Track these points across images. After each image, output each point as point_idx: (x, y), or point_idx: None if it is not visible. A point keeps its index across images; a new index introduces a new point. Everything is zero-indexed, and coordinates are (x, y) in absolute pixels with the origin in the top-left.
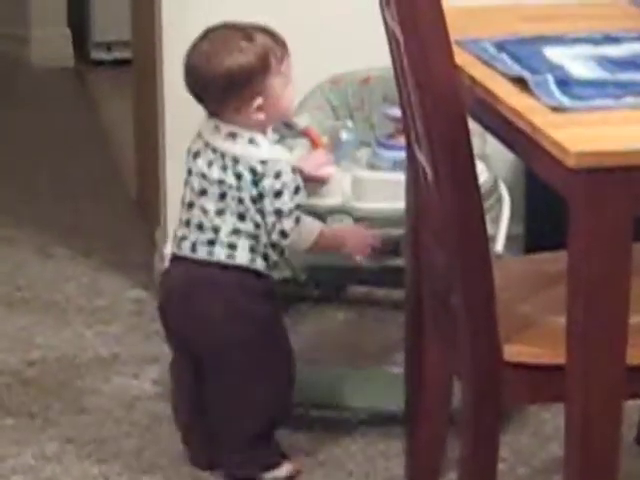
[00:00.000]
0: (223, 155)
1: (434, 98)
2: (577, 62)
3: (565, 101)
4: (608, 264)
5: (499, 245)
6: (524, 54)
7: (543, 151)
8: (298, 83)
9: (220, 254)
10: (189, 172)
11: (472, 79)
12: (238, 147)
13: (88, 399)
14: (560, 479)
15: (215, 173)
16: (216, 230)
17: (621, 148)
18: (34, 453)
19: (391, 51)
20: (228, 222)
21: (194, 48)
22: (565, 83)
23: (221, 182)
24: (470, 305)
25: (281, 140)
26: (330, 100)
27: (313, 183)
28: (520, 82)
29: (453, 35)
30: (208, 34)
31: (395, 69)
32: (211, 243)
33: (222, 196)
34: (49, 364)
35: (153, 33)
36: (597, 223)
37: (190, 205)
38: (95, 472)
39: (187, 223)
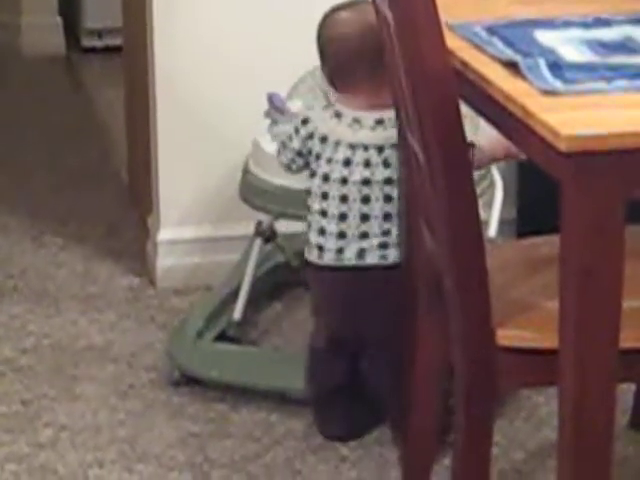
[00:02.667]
0: (366, 148)
1: (425, 82)
2: (569, 46)
3: (557, 85)
4: (600, 247)
5: (492, 230)
6: (515, 38)
7: (535, 135)
8: (290, 68)
9: (392, 256)
10: (326, 178)
11: (463, 63)
12: (376, 134)
13: (82, 387)
14: (554, 463)
15: (359, 174)
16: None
17: (613, 131)
18: (28, 441)
19: (382, 35)
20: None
21: (339, 17)
22: (557, 67)
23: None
24: (463, 289)
25: (273, 125)
26: (322, 85)
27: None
28: (512, 66)
29: (444, 19)
30: (351, 5)
31: (386, 53)
32: (384, 246)
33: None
34: (42, 352)
35: (144, 20)
36: (589, 206)
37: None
38: (89, 459)
39: (342, 235)
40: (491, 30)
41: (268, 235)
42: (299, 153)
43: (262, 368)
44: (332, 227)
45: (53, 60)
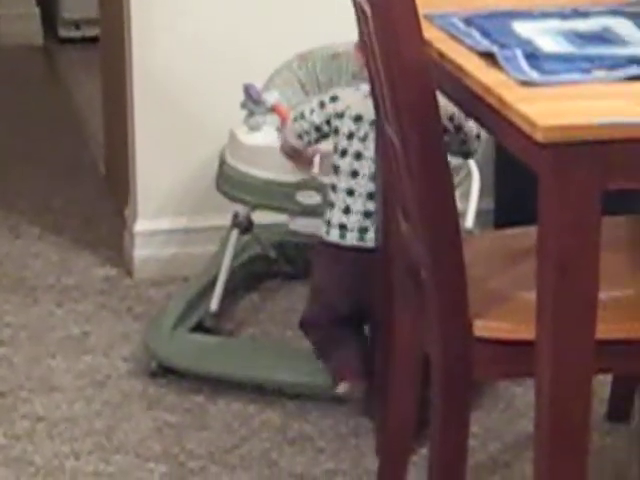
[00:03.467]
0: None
1: (403, 73)
2: (546, 36)
3: (534, 75)
4: (577, 238)
5: (469, 221)
6: (493, 29)
7: (512, 126)
8: (266, 60)
9: None
10: (359, 156)
11: (441, 54)
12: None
13: (59, 378)
14: (531, 454)
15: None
16: None
17: (590, 122)
18: (5, 432)
19: (359, 26)
20: None
21: None
22: (534, 57)
23: None
24: (440, 280)
25: (250, 116)
26: (299, 76)
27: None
28: (489, 57)
29: (422, 10)
30: None
31: (363, 44)
32: None
33: None
34: (19, 343)
35: (121, 10)
36: (566, 197)
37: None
38: (66, 451)
39: (367, 214)
40: (468, 21)
41: (245, 226)
42: (317, 128)
43: (239, 359)
44: (358, 206)
45: (30, 50)
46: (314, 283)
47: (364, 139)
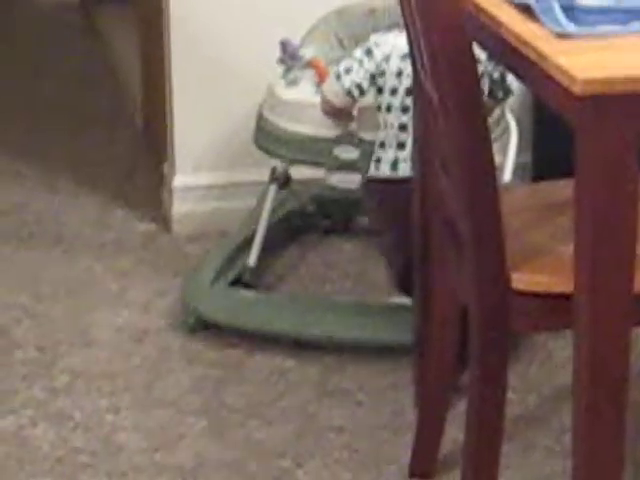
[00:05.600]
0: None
1: (439, 27)
2: None
3: (571, 27)
4: (615, 192)
5: (507, 174)
6: None
7: (549, 78)
8: (303, 15)
9: None
10: (409, 92)
11: (477, 7)
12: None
13: (97, 333)
14: (569, 407)
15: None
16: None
17: (627, 75)
18: (44, 386)
19: None
20: None
21: None
22: (571, 9)
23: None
24: (478, 233)
25: (288, 72)
26: (336, 31)
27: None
28: (526, 9)
29: None
30: None
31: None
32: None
33: None
34: (58, 298)
35: None
36: (603, 150)
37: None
38: (105, 405)
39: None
40: None
41: (283, 181)
42: (372, 76)
43: (277, 313)
44: (411, 140)
45: (67, 7)
46: (377, 229)
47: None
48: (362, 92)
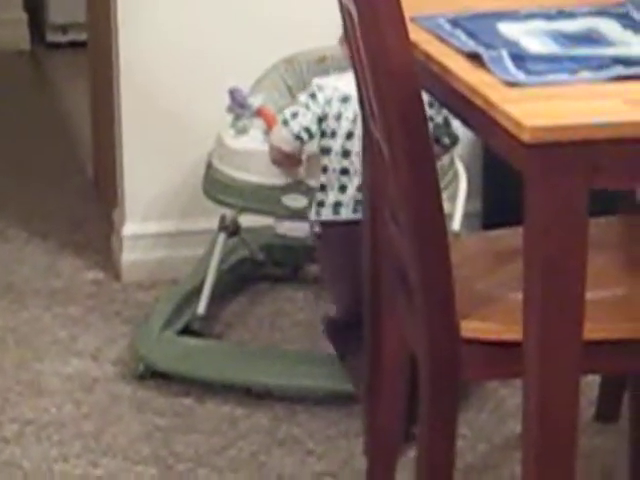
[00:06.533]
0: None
1: (389, 75)
2: (531, 37)
3: (520, 76)
4: (564, 239)
5: (456, 222)
6: (479, 30)
7: (499, 126)
8: (252, 64)
9: None
10: (350, 135)
11: (427, 55)
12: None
13: (47, 381)
14: (520, 455)
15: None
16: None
17: (576, 122)
18: None
19: (345, 28)
20: None
21: None
22: (520, 58)
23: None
24: (427, 281)
25: (237, 120)
26: (285, 80)
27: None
28: (475, 58)
29: (408, 12)
30: None
31: (350, 46)
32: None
33: None
34: (7, 347)
35: (108, 15)
36: (552, 198)
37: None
38: (54, 454)
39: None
40: (455, 22)
41: (232, 229)
42: (319, 119)
43: (226, 362)
44: (355, 182)
45: (18, 55)
46: (326, 275)
47: (354, 119)
48: (311, 135)
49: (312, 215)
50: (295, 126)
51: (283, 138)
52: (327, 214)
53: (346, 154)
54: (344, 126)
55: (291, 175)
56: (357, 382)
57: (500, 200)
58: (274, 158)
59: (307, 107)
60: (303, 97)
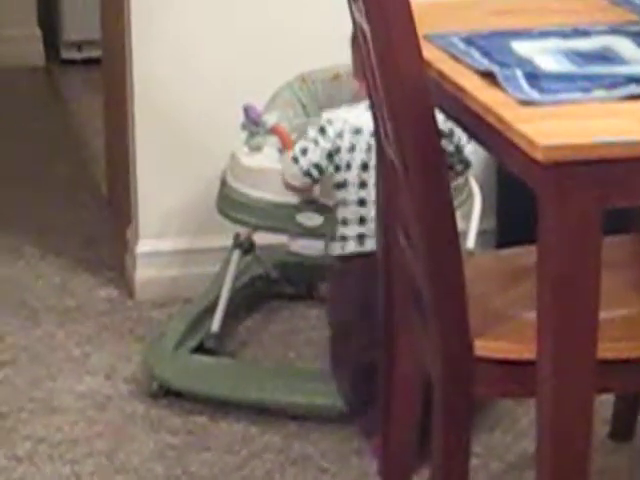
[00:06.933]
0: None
1: (402, 93)
2: (546, 56)
3: (534, 95)
4: (577, 258)
5: (470, 241)
6: (493, 48)
7: (512, 145)
8: (267, 81)
9: None
10: (365, 166)
11: (441, 74)
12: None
13: (60, 399)
14: (533, 474)
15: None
16: None
17: (590, 141)
18: (6, 454)
19: (359, 47)
20: None
21: None
22: (534, 77)
23: None
24: (440, 300)
25: (251, 138)
26: (299, 97)
27: None
28: (489, 76)
29: (421, 30)
30: None
31: (363, 65)
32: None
33: None
34: (20, 364)
35: (122, 32)
36: (566, 217)
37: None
38: (67, 472)
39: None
40: (469, 41)
41: (246, 247)
42: (329, 154)
43: (240, 380)
44: (372, 213)
45: (32, 72)
46: (339, 313)
47: (368, 150)
48: (321, 171)
49: (336, 250)
50: (304, 163)
51: (293, 175)
52: (351, 248)
53: (363, 185)
54: (358, 157)
55: (305, 194)
56: (370, 435)
57: (514, 218)
58: (287, 186)
59: (316, 143)
60: (312, 132)
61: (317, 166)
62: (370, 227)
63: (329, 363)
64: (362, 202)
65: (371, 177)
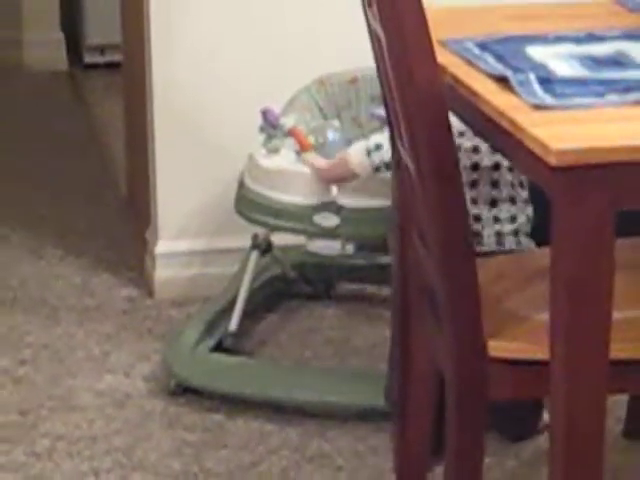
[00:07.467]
0: None
1: (416, 98)
2: (559, 60)
3: (547, 99)
4: (590, 260)
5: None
6: (507, 53)
7: (525, 149)
8: (285, 84)
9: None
10: (475, 167)
11: (455, 78)
12: None
13: (79, 397)
14: (547, 471)
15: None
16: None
17: (602, 145)
18: (25, 450)
19: (374, 51)
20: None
21: None
22: (547, 81)
23: None
24: (454, 301)
25: (268, 140)
26: (317, 100)
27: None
28: (503, 81)
29: (436, 35)
30: None
31: (378, 69)
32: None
33: None
34: (40, 362)
35: (142, 36)
36: (579, 219)
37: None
38: (85, 469)
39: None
40: (483, 46)
41: (264, 247)
42: None
43: (258, 378)
44: (485, 213)
45: (55, 76)
46: None
47: (475, 150)
48: (389, 169)
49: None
50: (376, 159)
51: (362, 165)
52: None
53: (474, 184)
54: (464, 158)
55: (323, 195)
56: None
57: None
58: (330, 177)
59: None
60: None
61: (387, 165)
62: (486, 227)
63: None
64: (474, 201)
65: (482, 176)
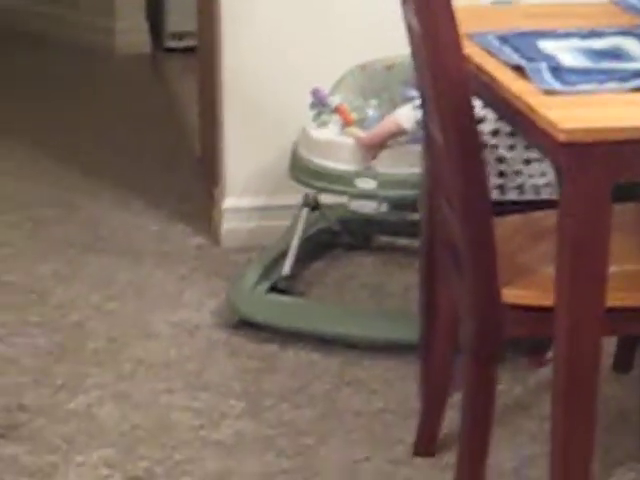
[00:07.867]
0: None
1: (445, 83)
2: (566, 53)
3: (556, 85)
4: (591, 222)
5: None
6: (522, 46)
7: (538, 128)
8: (332, 68)
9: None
10: (495, 133)
11: (478, 67)
12: None
13: (157, 327)
14: (550, 398)
15: None
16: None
17: (604, 126)
18: (111, 372)
19: (410, 41)
20: None
21: None
22: (556, 70)
23: None
24: (474, 255)
25: (318, 116)
26: (359, 83)
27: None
28: (519, 69)
29: (463, 29)
30: None
31: (413, 57)
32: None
33: None
34: (125, 298)
35: (214, 25)
36: (582, 188)
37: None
38: (161, 388)
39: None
40: (502, 39)
41: (313, 205)
42: None
43: (306, 315)
44: (524, 169)
45: (140, 58)
46: None
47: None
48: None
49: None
50: (419, 114)
51: (408, 117)
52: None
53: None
54: (487, 127)
55: (363, 162)
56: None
57: None
58: (368, 143)
59: None
60: None
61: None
62: (510, 180)
63: None
64: (500, 160)
65: (501, 142)
